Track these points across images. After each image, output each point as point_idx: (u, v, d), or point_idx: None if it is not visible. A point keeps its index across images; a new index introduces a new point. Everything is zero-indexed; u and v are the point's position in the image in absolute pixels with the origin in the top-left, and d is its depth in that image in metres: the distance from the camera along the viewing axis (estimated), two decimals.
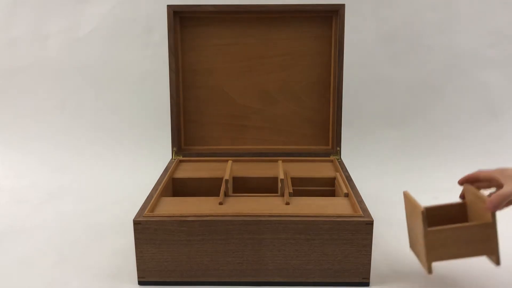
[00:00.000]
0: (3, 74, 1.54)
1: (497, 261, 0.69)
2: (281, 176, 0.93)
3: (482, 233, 0.68)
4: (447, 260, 0.71)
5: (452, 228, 0.69)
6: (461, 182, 0.76)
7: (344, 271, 0.79)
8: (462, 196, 0.77)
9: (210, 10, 1.12)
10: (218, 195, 0.89)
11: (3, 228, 1.07)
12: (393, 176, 1.42)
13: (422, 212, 0.67)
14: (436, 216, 0.76)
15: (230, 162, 1.05)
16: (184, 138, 1.19)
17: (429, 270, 0.70)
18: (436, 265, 0.89)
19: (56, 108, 1.55)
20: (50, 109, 1.55)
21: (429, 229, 0.68)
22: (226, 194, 0.90)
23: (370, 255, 0.79)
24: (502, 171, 0.69)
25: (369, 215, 0.79)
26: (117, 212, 1.16)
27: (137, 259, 0.79)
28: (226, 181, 0.90)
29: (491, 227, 0.67)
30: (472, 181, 0.75)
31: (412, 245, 0.79)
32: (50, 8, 1.49)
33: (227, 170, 0.97)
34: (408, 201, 0.76)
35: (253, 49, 1.15)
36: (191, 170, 1.08)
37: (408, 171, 1.44)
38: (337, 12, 1.10)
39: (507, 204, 0.69)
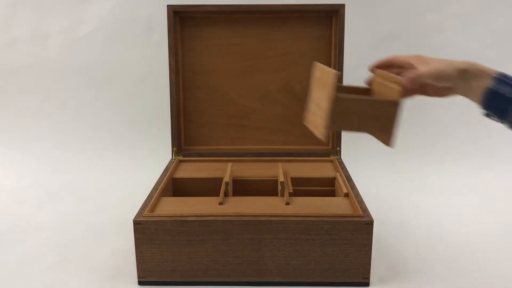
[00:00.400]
0: (3, 74, 1.54)
1: (388, 142, 0.69)
2: (281, 178, 0.93)
3: (386, 111, 0.67)
4: (344, 131, 0.68)
5: (360, 99, 0.67)
6: (372, 68, 0.74)
7: (344, 271, 0.79)
8: (368, 82, 0.75)
9: (210, 10, 1.12)
10: (218, 195, 0.89)
11: (3, 228, 1.07)
12: (392, 176, 1.42)
13: (336, 74, 0.65)
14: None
15: (230, 164, 1.05)
16: (184, 138, 1.19)
17: (324, 136, 0.68)
18: (436, 263, 0.89)
19: (56, 108, 1.55)
20: (50, 109, 1.55)
21: (338, 94, 0.66)
22: (226, 195, 0.90)
23: (370, 255, 0.79)
24: (419, 57, 0.68)
25: (369, 215, 0.79)
26: (117, 212, 1.16)
27: (137, 259, 0.79)
28: (226, 183, 0.90)
29: (396, 105, 0.66)
30: (383, 67, 0.73)
31: (309, 119, 0.75)
32: (50, 8, 1.49)
33: (227, 172, 0.97)
34: (318, 69, 0.72)
35: (253, 49, 1.15)
36: (191, 170, 1.08)
37: (408, 171, 1.44)
38: (337, 12, 1.10)
39: (419, 91, 0.70)
